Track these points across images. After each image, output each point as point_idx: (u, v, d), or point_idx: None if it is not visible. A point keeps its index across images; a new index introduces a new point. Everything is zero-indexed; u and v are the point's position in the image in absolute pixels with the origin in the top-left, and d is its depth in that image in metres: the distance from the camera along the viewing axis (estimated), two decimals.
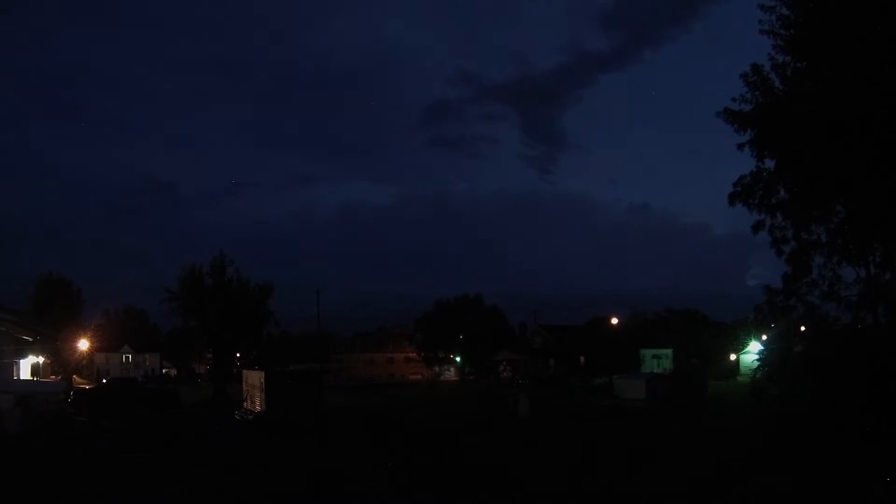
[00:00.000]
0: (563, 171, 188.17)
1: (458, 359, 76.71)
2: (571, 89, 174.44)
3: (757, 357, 31.25)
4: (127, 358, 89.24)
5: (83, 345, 64.12)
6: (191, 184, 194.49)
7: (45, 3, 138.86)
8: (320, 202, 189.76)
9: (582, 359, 70.22)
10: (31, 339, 39.52)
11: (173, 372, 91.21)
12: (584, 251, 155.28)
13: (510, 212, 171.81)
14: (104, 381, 58.68)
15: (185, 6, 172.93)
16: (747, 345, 59.71)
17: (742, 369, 54.86)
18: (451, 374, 76.97)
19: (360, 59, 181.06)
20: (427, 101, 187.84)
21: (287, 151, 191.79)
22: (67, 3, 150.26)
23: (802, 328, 24.02)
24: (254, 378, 30.51)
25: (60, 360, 58.17)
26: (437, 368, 77.01)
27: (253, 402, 30.00)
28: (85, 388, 48.12)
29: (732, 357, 63.96)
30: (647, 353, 63.66)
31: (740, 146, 20.83)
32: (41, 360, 53.02)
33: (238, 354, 67.69)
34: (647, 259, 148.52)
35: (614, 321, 71.24)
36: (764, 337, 44.85)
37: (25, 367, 44.90)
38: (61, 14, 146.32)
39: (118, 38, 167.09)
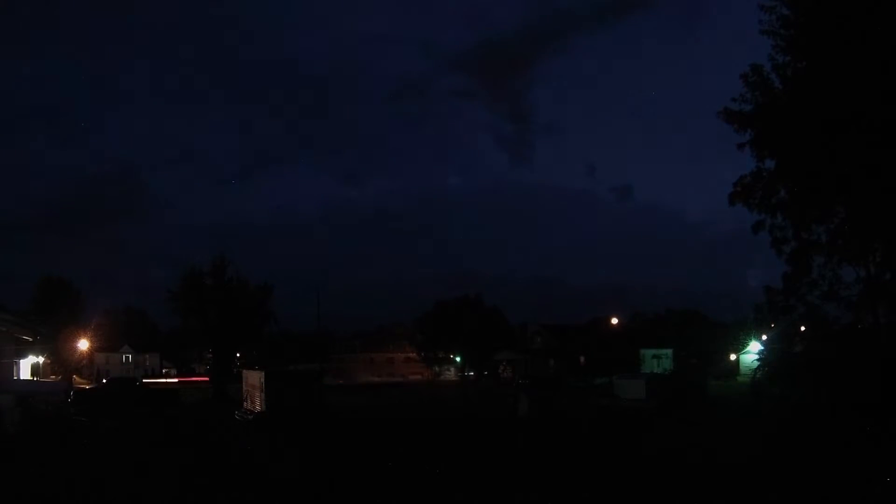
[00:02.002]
0: (551, 160, 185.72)
1: (458, 359, 76.69)
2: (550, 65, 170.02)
3: (757, 357, 31.34)
4: (127, 358, 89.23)
5: (83, 345, 64.12)
6: (172, 183, 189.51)
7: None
8: (300, 199, 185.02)
9: (582, 359, 70.27)
10: (31, 339, 39.50)
11: (173, 372, 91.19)
12: (581, 249, 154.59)
13: (501, 207, 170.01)
14: (104, 380, 58.68)
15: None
16: (747, 345, 59.76)
17: (742, 369, 54.92)
18: (451, 374, 76.97)
19: (314, 47, 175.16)
20: (405, 92, 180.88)
21: (257, 147, 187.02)
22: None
23: (802, 328, 24.06)
24: (254, 378, 30.50)
25: (60, 360, 58.21)
26: (437, 368, 77.01)
27: (253, 402, 29.99)
28: (85, 388, 48.11)
29: (732, 357, 64.00)
30: (647, 353, 63.69)
31: (740, 146, 20.89)
32: (41, 360, 53.10)
33: (238, 354, 67.70)
34: (646, 258, 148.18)
35: (614, 321, 71.30)
36: (764, 337, 45.02)
37: (25, 367, 44.93)
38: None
39: (98, 37, 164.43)
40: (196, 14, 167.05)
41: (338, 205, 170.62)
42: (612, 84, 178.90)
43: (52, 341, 52.07)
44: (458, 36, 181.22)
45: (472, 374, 73.82)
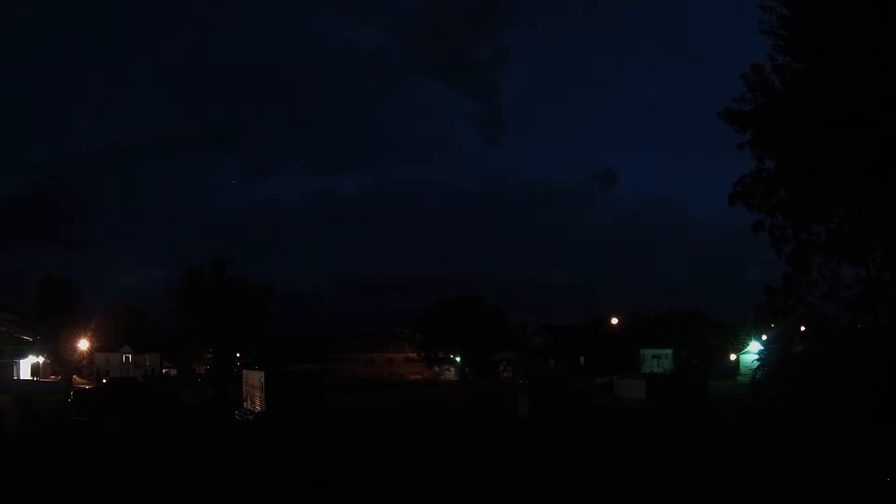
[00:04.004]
0: (551, 155, 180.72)
1: (458, 359, 76.70)
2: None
3: (757, 357, 31.36)
4: (127, 358, 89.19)
5: (83, 345, 64.11)
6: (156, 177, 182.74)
7: None
8: (280, 194, 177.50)
9: (582, 359, 70.31)
10: (31, 339, 39.59)
11: (173, 372, 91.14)
12: (581, 248, 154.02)
13: (498, 204, 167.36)
14: (104, 380, 58.69)
15: None
16: (747, 345, 59.79)
17: (742, 369, 54.93)
18: (451, 374, 76.96)
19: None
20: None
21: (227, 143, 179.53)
22: None
23: (802, 328, 24.09)
24: (254, 378, 30.51)
25: (60, 360, 58.21)
26: (437, 368, 77.01)
27: (253, 402, 30.00)
28: (85, 388, 48.12)
29: (732, 357, 64.03)
30: (647, 353, 63.72)
31: (740, 146, 20.88)
32: (41, 360, 53.13)
33: (238, 354, 67.72)
34: (647, 258, 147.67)
35: (614, 321, 71.30)
36: (764, 337, 45.03)
37: (25, 367, 44.98)
38: None
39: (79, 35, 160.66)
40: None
41: (322, 198, 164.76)
42: (616, 79, 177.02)
43: (52, 341, 52.05)
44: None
45: (472, 374, 73.83)
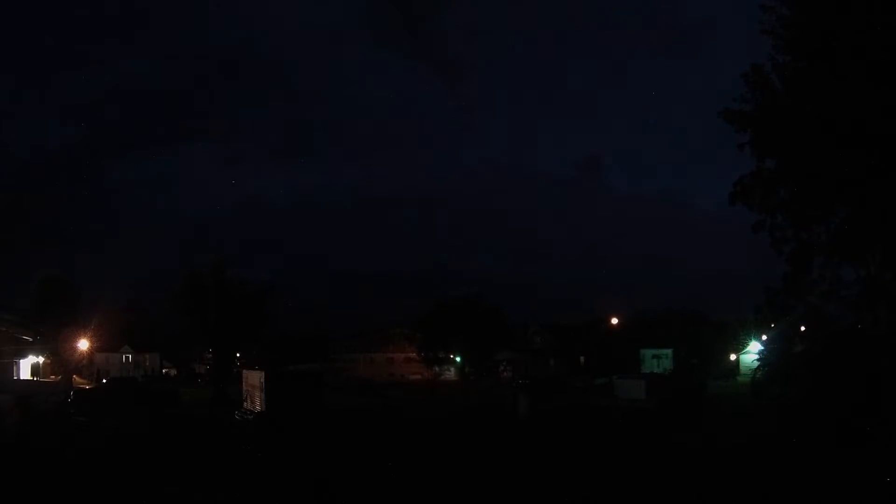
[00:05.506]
0: (550, 150, 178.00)
1: (458, 359, 76.73)
2: None
3: (757, 357, 31.36)
4: (127, 358, 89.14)
5: (83, 345, 64.14)
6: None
7: None
8: (272, 192, 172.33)
9: (582, 359, 70.32)
10: (31, 339, 39.66)
11: (173, 372, 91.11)
12: (581, 248, 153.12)
13: (499, 203, 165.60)
14: (104, 380, 58.70)
15: None
16: (747, 345, 59.77)
17: (742, 369, 54.95)
18: (451, 374, 76.98)
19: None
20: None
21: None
22: None
23: (802, 328, 24.10)
24: (254, 378, 30.52)
25: (60, 360, 58.24)
26: (437, 368, 77.04)
27: (253, 402, 30.01)
28: (85, 388, 48.14)
29: (732, 357, 64.01)
30: (647, 353, 63.74)
31: (740, 146, 20.89)
32: (41, 360, 53.21)
33: (238, 354, 67.71)
34: (647, 258, 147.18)
35: (614, 321, 71.28)
36: (764, 337, 45.00)
37: (25, 367, 45.08)
38: None
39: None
40: None
41: (319, 196, 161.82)
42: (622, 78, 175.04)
43: (52, 341, 52.12)
44: None
45: (472, 374, 73.85)
